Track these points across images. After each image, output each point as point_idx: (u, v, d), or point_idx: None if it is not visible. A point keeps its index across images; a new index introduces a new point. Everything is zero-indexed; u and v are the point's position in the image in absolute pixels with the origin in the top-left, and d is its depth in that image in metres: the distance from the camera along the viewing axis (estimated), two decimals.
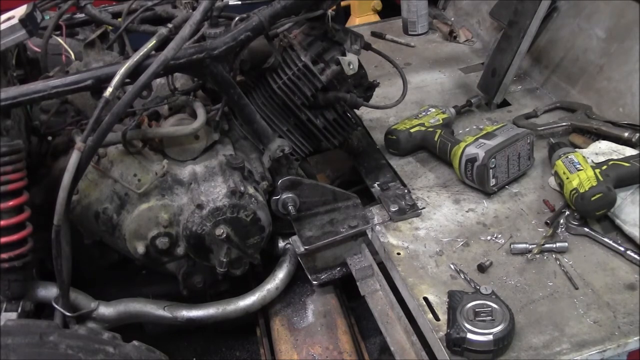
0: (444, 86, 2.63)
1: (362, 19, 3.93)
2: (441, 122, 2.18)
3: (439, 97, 2.54)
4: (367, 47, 2.07)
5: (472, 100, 2.38)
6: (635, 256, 1.67)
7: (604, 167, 1.79)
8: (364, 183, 2.12)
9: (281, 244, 2.04)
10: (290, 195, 1.88)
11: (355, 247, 1.95)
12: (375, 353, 2.12)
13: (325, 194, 1.93)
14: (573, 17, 2.46)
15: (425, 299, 1.62)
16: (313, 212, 1.93)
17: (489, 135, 1.96)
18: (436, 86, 2.64)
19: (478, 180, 1.92)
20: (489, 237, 1.81)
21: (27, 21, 1.60)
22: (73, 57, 2.06)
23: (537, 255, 1.72)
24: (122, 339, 1.47)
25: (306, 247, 1.87)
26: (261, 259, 1.96)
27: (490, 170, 1.90)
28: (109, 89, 1.53)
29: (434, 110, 2.24)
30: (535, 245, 1.73)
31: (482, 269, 1.69)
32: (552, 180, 1.96)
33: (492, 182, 1.92)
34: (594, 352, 1.45)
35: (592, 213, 1.76)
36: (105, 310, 1.83)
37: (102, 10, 2.14)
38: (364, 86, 2.06)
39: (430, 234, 1.84)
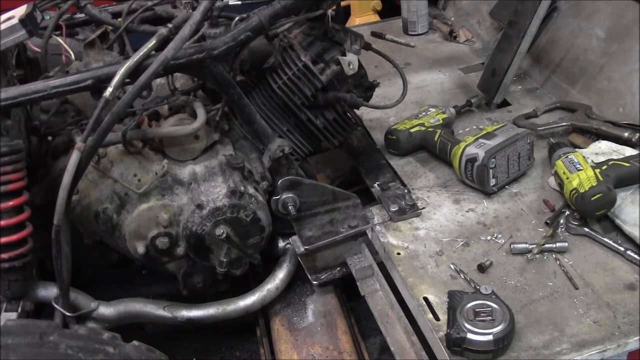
0: (444, 86, 2.63)
1: (362, 19, 3.93)
2: (441, 122, 2.18)
3: (439, 97, 2.54)
4: (367, 47, 2.07)
5: (472, 100, 2.38)
6: (635, 256, 1.67)
7: (604, 167, 1.79)
8: (364, 183, 2.12)
9: (281, 244, 2.04)
10: (290, 195, 1.88)
11: (355, 247, 1.95)
12: (375, 353, 2.12)
13: (325, 194, 1.93)
14: (573, 17, 2.46)
15: (425, 299, 1.63)
16: (313, 212, 1.93)
17: (489, 135, 1.96)
18: (436, 86, 2.64)
19: (478, 180, 1.92)
20: (489, 237, 1.81)
21: (27, 21, 1.60)
22: (73, 57, 2.06)
23: (537, 255, 1.72)
24: (122, 339, 1.47)
25: (306, 247, 1.87)
26: (261, 259, 1.96)
27: (490, 170, 1.90)
28: (109, 89, 1.53)
29: (434, 110, 2.24)
30: (535, 245, 1.73)
31: (482, 269, 1.69)
32: (552, 180, 1.97)
33: (492, 182, 1.92)
34: (594, 352, 1.45)
35: (592, 213, 1.76)
36: (105, 310, 1.83)
37: (102, 10, 2.14)
38: (364, 86, 2.06)
39: (430, 234, 1.84)
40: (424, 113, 2.23)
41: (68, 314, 1.67)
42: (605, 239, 1.73)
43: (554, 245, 1.73)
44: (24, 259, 1.61)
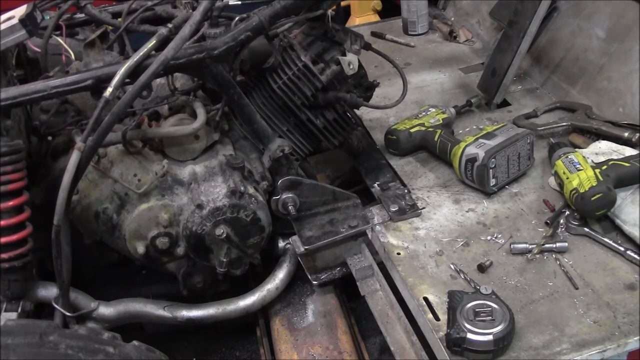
0: (444, 86, 2.63)
1: (362, 19, 3.93)
2: (441, 122, 2.18)
3: (439, 97, 2.54)
4: (367, 47, 2.07)
5: (472, 100, 2.38)
6: (635, 256, 1.67)
7: (604, 167, 1.79)
8: (364, 183, 2.12)
9: (281, 244, 2.04)
10: (290, 195, 1.88)
11: (355, 247, 1.95)
12: (375, 353, 2.12)
13: (325, 194, 1.93)
14: (573, 17, 2.46)
15: (425, 299, 1.63)
16: (313, 212, 1.93)
17: (489, 135, 1.96)
18: (436, 86, 2.64)
19: (478, 180, 1.92)
20: (489, 237, 1.81)
21: (27, 21, 1.60)
22: (73, 57, 2.06)
23: (537, 255, 1.72)
24: (122, 339, 1.47)
25: (306, 247, 1.87)
26: (261, 259, 1.96)
27: (490, 170, 1.90)
28: (109, 89, 1.53)
29: (434, 110, 2.24)
30: (535, 245, 1.73)
31: (482, 269, 1.69)
32: (552, 180, 1.97)
33: (492, 182, 1.92)
34: (594, 352, 1.45)
35: (592, 213, 1.76)
36: (105, 310, 1.83)
37: (102, 10, 2.14)
38: (364, 86, 2.06)
39: (430, 234, 1.84)
40: (424, 113, 2.23)
41: (68, 314, 1.67)
42: (605, 239, 1.73)
43: (554, 245, 1.73)
44: (24, 259, 1.61)
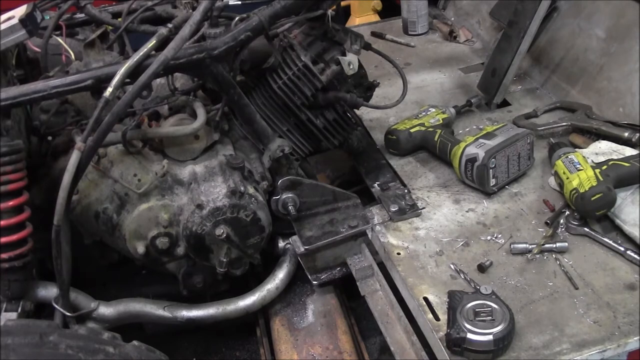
0: (444, 86, 2.63)
1: (362, 19, 3.93)
2: (441, 122, 2.18)
3: (439, 97, 2.54)
4: (367, 47, 2.06)
5: (472, 100, 2.38)
6: (635, 256, 1.67)
7: (604, 167, 1.79)
8: (364, 183, 2.12)
9: (281, 244, 2.04)
10: (290, 195, 1.88)
11: (355, 247, 1.95)
12: (375, 353, 2.13)
13: (325, 194, 1.93)
14: (573, 17, 2.46)
15: (425, 299, 1.62)
16: (313, 212, 1.93)
17: (489, 135, 1.96)
18: (436, 86, 2.64)
19: (478, 180, 1.92)
20: (489, 237, 1.81)
21: (27, 21, 1.60)
22: (73, 57, 2.06)
23: (537, 255, 1.72)
24: (122, 339, 1.47)
25: (306, 247, 1.87)
26: (261, 259, 1.96)
27: (490, 170, 1.90)
28: (109, 89, 1.53)
29: (434, 110, 2.24)
30: (535, 245, 1.73)
31: (482, 269, 1.69)
32: (552, 180, 1.97)
33: (492, 182, 1.92)
34: (594, 352, 1.45)
35: (592, 213, 1.75)
36: (105, 310, 1.83)
37: (102, 10, 2.14)
38: (364, 86, 2.06)
39: (430, 234, 1.84)
40: (424, 113, 2.23)
41: (68, 314, 1.67)
42: (605, 239, 1.73)
43: (554, 245, 1.73)
44: (24, 259, 1.61)
